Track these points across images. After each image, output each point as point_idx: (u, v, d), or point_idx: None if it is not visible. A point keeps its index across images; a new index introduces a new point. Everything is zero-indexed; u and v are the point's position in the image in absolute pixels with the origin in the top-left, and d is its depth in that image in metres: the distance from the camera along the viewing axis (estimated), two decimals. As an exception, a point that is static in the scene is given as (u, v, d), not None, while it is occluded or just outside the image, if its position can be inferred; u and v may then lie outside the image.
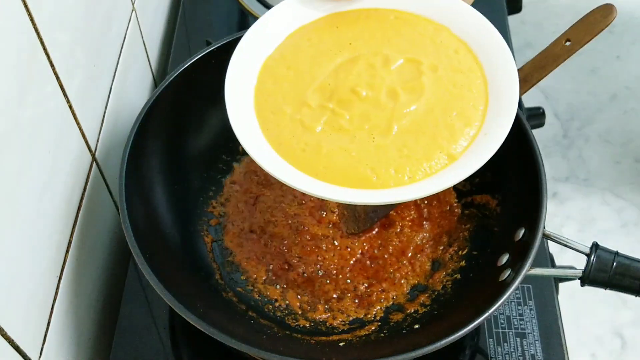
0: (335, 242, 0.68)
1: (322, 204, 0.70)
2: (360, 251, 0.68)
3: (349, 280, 0.66)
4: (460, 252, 0.67)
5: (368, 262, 0.67)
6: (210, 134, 0.74)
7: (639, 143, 1.54)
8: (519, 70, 0.60)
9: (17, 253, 0.48)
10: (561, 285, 0.68)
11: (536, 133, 0.64)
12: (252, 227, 0.70)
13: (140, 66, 0.82)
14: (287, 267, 0.67)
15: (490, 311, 0.52)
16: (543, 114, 0.85)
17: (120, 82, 0.71)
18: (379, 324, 0.63)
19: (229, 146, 0.75)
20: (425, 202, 0.71)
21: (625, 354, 1.30)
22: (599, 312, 1.33)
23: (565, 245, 0.57)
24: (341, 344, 0.60)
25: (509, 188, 0.66)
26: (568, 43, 0.57)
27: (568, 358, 0.62)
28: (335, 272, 0.66)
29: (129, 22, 0.75)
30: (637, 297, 0.55)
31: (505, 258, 0.60)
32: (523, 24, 1.78)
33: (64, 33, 0.55)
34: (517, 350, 0.62)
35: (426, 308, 0.63)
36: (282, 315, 0.64)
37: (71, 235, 0.58)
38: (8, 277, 0.46)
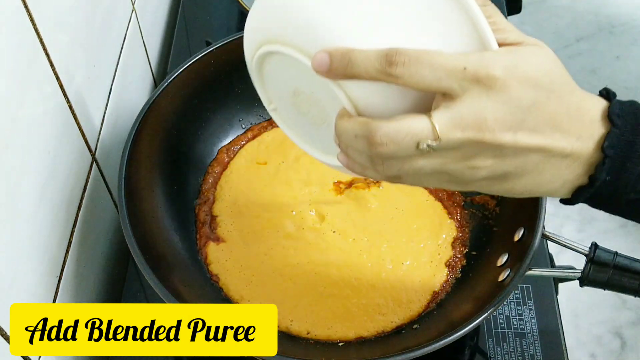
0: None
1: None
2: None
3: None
4: (459, 252, 0.67)
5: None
6: (209, 134, 0.74)
7: (638, 143, 1.54)
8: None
9: (17, 253, 0.48)
10: (561, 285, 0.68)
11: (536, 133, 0.64)
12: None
13: (140, 66, 0.82)
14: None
15: (489, 311, 0.52)
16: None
17: (120, 82, 0.71)
18: (379, 324, 0.63)
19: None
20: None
21: (625, 354, 1.30)
22: (599, 313, 1.33)
23: (565, 246, 0.57)
24: (341, 344, 0.60)
25: (508, 188, 0.66)
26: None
27: (567, 358, 0.62)
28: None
29: (129, 22, 0.75)
30: (637, 298, 0.56)
31: (504, 258, 0.60)
32: (523, 24, 1.78)
33: (64, 33, 0.55)
34: (517, 350, 0.62)
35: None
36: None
37: (71, 235, 0.58)
38: (8, 277, 0.46)
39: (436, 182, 0.39)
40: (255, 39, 0.43)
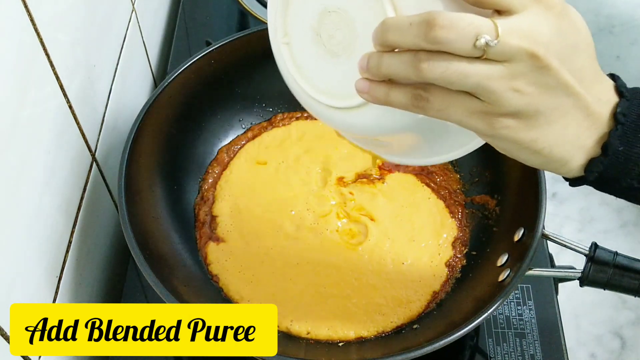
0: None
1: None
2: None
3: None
4: (459, 252, 0.67)
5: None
6: (209, 134, 0.74)
7: (638, 143, 1.55)
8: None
9: (17, 253, 0.48)
10: (560, 285, 0.68)
11: (536, 133, 0.64)
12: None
13: (140, 66, 0.82)
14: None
15: (489, 311, 0.52)
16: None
17: (120, 82, 0.71)
18: (379, 324, 0.63)
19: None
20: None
21: (625, 354, 1.30)
22: (599, 312, 1.33)
23: (565, 246, 0.57)
24: (341, 344, 0.60)
25: (508, 188, 0.66)
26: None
27: (567, 358, 0.62)
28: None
29: (129, 22, 0.75)
30: (637, 298, 0.56)
31: (504, 258, 0.60)
32: (523, 24, 1.77)
33: (64, 33, 0.55)
34: (517, 350, 0.62)
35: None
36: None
37: (71, 235, 0.58)
38: (8, 277, 0.46)
39: (464, 110, 0.37)
40: None
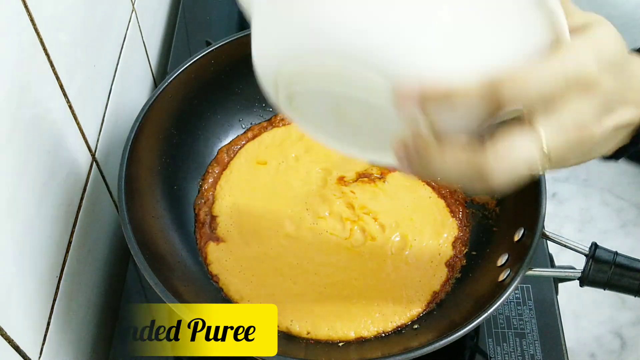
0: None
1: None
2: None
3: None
4: (459, 252, 0.67)
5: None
6: (209, 134, 0.74)
7: (638, 143, 1.54)
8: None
9: (17, 253, 0.48)
10: (560, 285, 0.68)
11: (536, 133, 0.64)
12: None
13: (140, 66, 0.82)
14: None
15: (489, 311, 0.52)
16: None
17: (120, 82, 0.71)
18: (379, 324, 0.63)
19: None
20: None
21: (625, 354, 1.30)
22: (599, 313, 1.33)
23: (565, 246, 0.57)
24: (341, 344, 0.60)
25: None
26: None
27: (567, 358, 0.62)
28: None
29: (129, 22, 0.75)
30: (637, 298, 0.56)
31: (504, 258, 0.60)
32: (523, 24, 1.77)
33: (64, 33, 0.55)
34: (517, 350, 0.62)
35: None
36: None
37: (71, 235, 0.58)
38: (8, 277, 0.46)
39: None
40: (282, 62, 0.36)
